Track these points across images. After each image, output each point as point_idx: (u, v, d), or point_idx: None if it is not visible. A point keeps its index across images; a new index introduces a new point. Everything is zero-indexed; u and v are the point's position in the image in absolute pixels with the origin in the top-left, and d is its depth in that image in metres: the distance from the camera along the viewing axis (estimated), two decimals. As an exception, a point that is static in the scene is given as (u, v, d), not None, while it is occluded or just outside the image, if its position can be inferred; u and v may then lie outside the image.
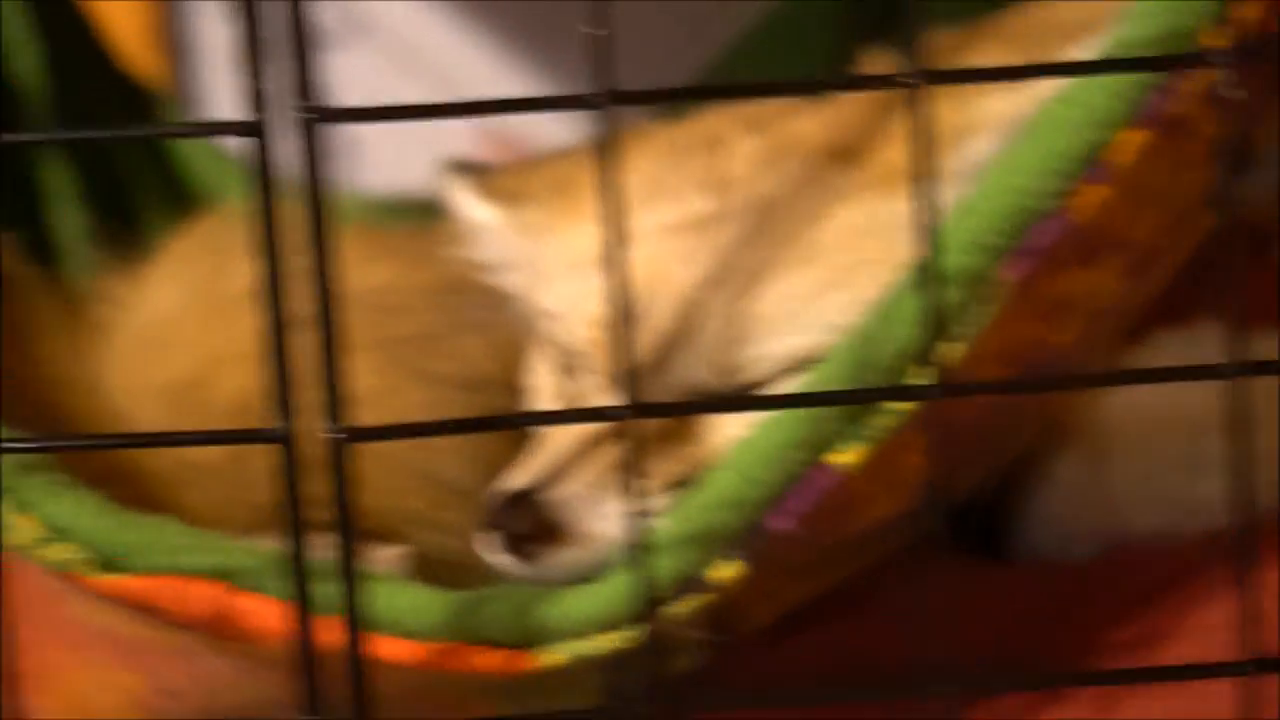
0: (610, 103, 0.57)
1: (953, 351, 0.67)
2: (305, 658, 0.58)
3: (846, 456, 0.67)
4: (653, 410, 0.65)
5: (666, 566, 0.67)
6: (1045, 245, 0.67)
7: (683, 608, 0.68)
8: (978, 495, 0.86)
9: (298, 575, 0.58)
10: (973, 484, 0.81)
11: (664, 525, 0.68)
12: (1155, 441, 0.84)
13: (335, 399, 0.58)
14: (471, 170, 0.90)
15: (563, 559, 0.72)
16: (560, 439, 0.75)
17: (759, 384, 0.77)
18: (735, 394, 0.76)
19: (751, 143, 0.79)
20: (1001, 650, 0.79)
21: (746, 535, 0.68)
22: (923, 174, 0.57)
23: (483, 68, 1.61)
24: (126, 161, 1.16)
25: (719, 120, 0.82)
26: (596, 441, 0.74)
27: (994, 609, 0.81)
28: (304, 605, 0.58)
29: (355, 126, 1.66)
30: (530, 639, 0.68)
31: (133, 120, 1.17)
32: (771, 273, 0.75)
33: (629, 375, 0.58)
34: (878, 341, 0.67)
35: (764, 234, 0.76)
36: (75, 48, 1.15)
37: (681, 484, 0.73)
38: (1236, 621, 0.74)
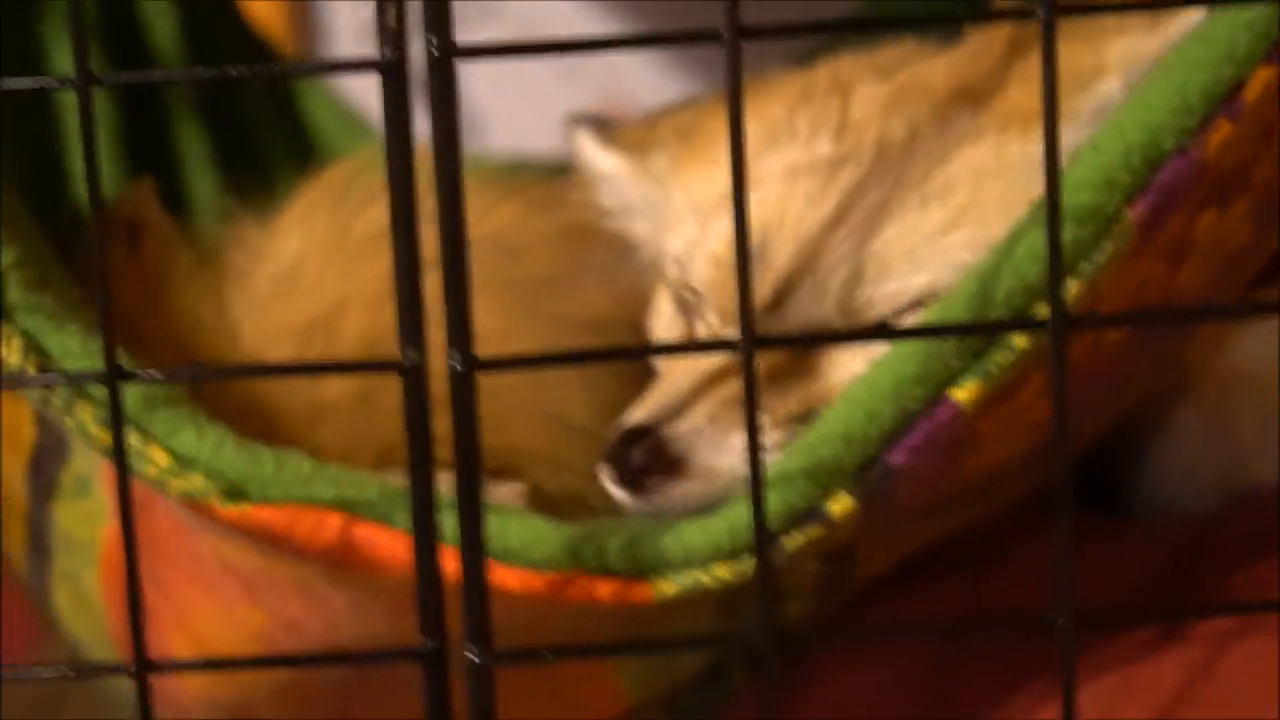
0: (737, 37, 0.58)
1: (1075, 289, 0.67)
2: (428, 582, 0.60)
3: (967, 392, 0.67)
4: (767, 342, 0.65)
5: (781, 499, 0.68)
6: (1173, 183, 0.67)
7: (797, 541, 0.68)
8: (1099, 447, 0.86)
9: (421, 502, 0.59)
10: (1096, 433, 0.81)
11: (781, 459, 0.69)
12: (1278, 390, 0.83)
13: (459, 330, 0.59)
14: (597, 123, 0.91)
15: (680, 493, 0.73)
16: (680, 376, 0.75)
17: (881, 322, 0.77)
18: (851, 328, 0.76)
19: (879, 87, 0.80)
20: (1123, 602, 0.78)
21: (864, 471, 0.68)
22: (1051, 108, 0.57)
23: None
24: (257, 118, 1.18)
25: (847, 66, 0.82)
26: (716, 378, 0.74)
27: (1117, 562, 0.80)
28: (428, 531, 0.60)
29: (482, 98, 1.67)
30: (646, 569, 0.69)
31: (267, 92, 1.19)
32: (894, 213, 0.75)
33: (746, 309, 0.59)
34: (1000, 277, 0.67)
35: (888, 175, 0.76)
36: (212, 19, 1.18)
37: (801, 420, 0.73)
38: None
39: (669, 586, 0.69)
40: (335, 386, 0.81)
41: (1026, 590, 0.78)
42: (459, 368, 0.59)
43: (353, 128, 1.21)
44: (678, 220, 0.83)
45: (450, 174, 0.59)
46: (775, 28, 0.59)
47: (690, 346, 0.72)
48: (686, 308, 0.82)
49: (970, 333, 0.67)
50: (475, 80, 1.78)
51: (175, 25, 1.14)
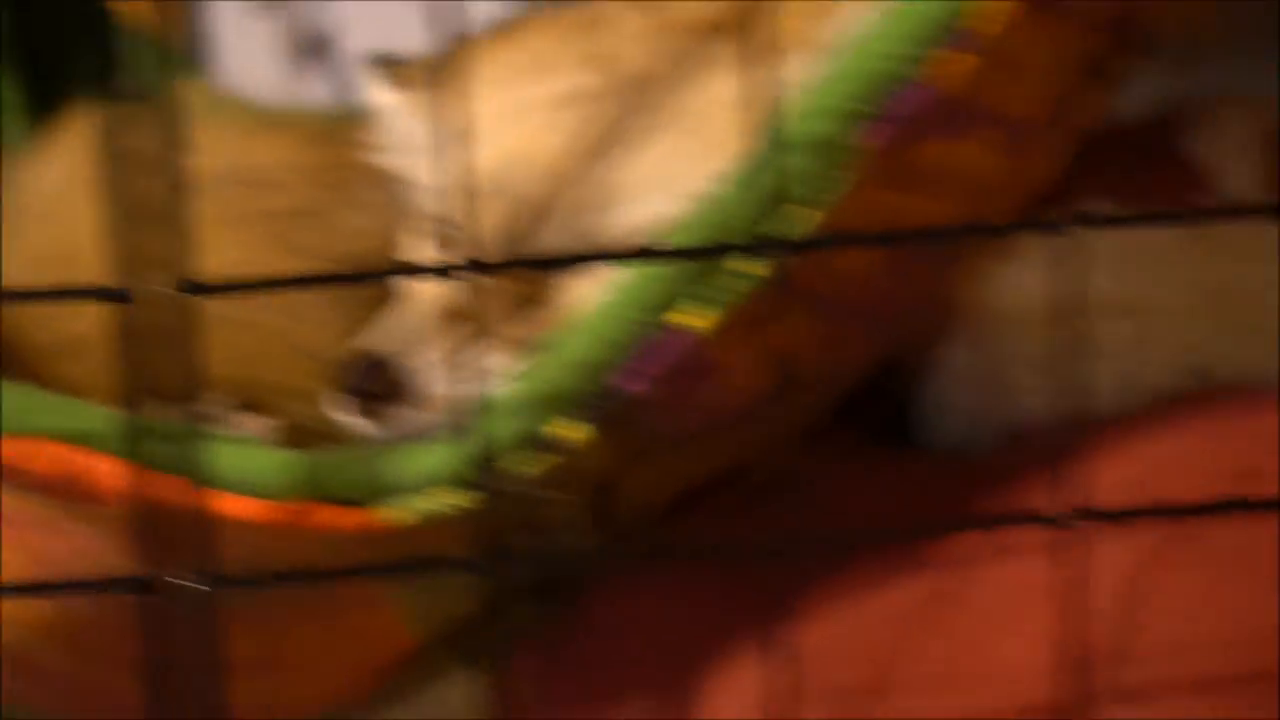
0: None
1: (810, 218, 0.67)
2: (142, 514, 0.60)
3: (698, 320, 0.68)
4: (493, 268, 0.66)
5: (512, 426, 0.68)
6: (907, 113, 0.67)
7: (528, 467, 0.68)
8: (887, 381, 0.87)
9: (133, 433, 0.59)
10: (861, 366, 0.81)
11: (514, 387, 0.69)
12: (1045, 325, 0.84)
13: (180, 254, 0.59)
14: (391, 62, 0.91)
15: (413, 420, 0.73)
16: (416, 305, 0.76)
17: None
18: (576, 251, 0.76)
19: (637, 20, 0.80)
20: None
21: (596, 397, 0.68)
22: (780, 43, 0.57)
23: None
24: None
25: (609, 1, 0.82)
26: (450, 309, 0.74)
27: (881, 495, 0.81)
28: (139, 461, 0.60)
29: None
30: (376, 496, 0.69)
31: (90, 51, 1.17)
32: (642, 142, 0.76)
33: (474, 237, 0.59)
34: (732, 205, 0.67)
35: (641, 106, 0.76)
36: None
37: (534, 346, 0.73)
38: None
39: (399, 513, 0.69)
40: (86, 319, 0.80)
41: (788, 521, 0.79)
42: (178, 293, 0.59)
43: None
44: (431, 151, 0.83)
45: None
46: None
47: (415, 269, 0.73)
48: (439, 241, 0.82)
49: (694, 258, 0.68)
50: (357, 44, 1.78)
51: None
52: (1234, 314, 0.83)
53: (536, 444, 0.69)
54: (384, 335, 0.76)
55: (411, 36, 1.67)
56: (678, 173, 0.75)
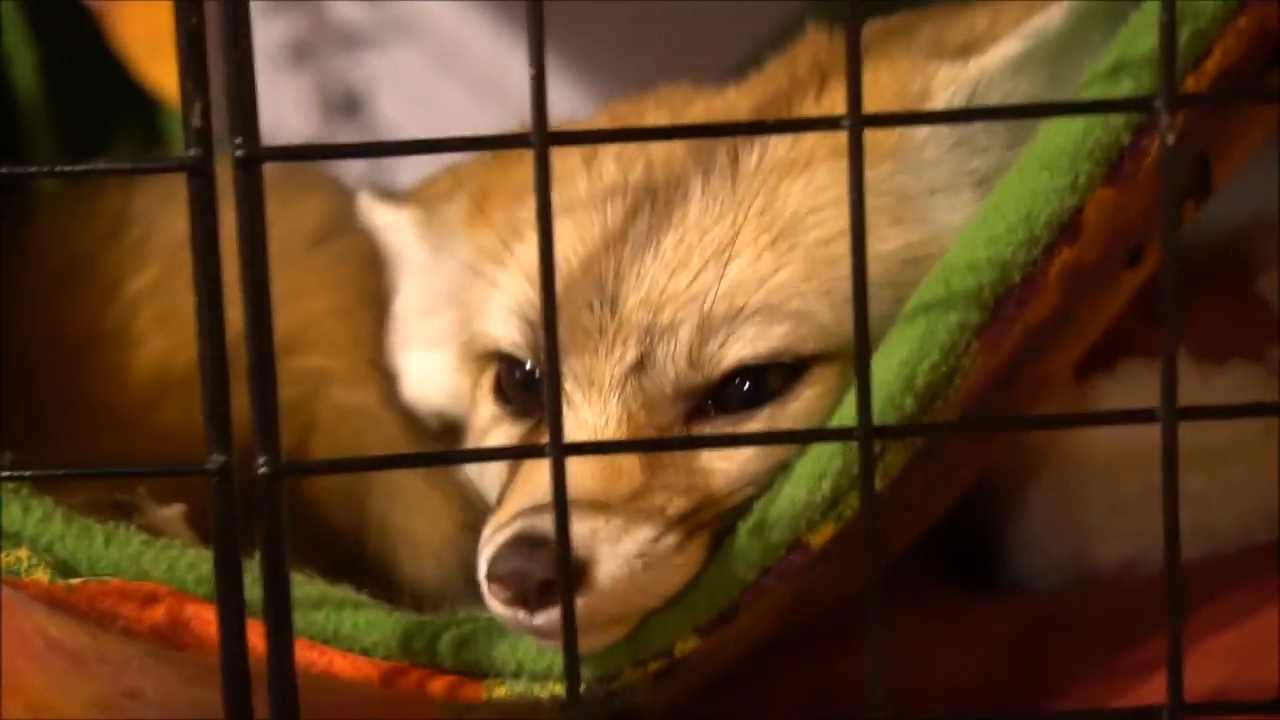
0: (547, 144, 0.58)
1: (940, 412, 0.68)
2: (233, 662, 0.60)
3: (820, 536, 0.68)
4: (576, 449, 0.63)
5: (636, 645, 0.69)
6: (1016, 309, 0.68)
7: (637, 674, 0.69)
8: (971, 523, 0.87)
9: (228, 585, 0.59)
10: (935, 516, 0.81)
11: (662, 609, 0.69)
12: (1122, 471, 0.83)
13: (267, 436, 0.59)
14: (384, 192, 0.91)
15: (584, 608, 0.66)
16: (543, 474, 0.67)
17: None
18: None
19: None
20: (975, 678, 0.79)
21: (719, 617, 0.69)
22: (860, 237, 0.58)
23: (524, 59, 1.61)
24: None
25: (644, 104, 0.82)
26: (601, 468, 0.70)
27: (965, 637, 0.81)
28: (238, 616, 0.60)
29: (396, 122, 1.66)
30: (479, 671, 0.69)
31: (130, 125, 1.17)
32: (737, 254, 0.74)
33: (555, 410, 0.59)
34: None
35: (709, 209, 0.74)
36: (78, 51, 1.16)
37: (694, 519, 0.70)
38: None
39: (501, 690, 0.69)
40: (183, 358, 0.80)
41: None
42: (268, 471, 0.59)
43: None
44: (498, 275, 0.79)
45: (256, 274, 0.59)
46: (585, 134, 0.58)
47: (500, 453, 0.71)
48: (510, 395, 0.79)
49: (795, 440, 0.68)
50: (389, 105, 1.78)
51: (35, 59, 1.12)
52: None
53: (652, 658, 0.69)
54: (529, 504, 0.68)
55: (441, 95, 1.69)
56: (787, 289, 0.73)
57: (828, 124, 0.58)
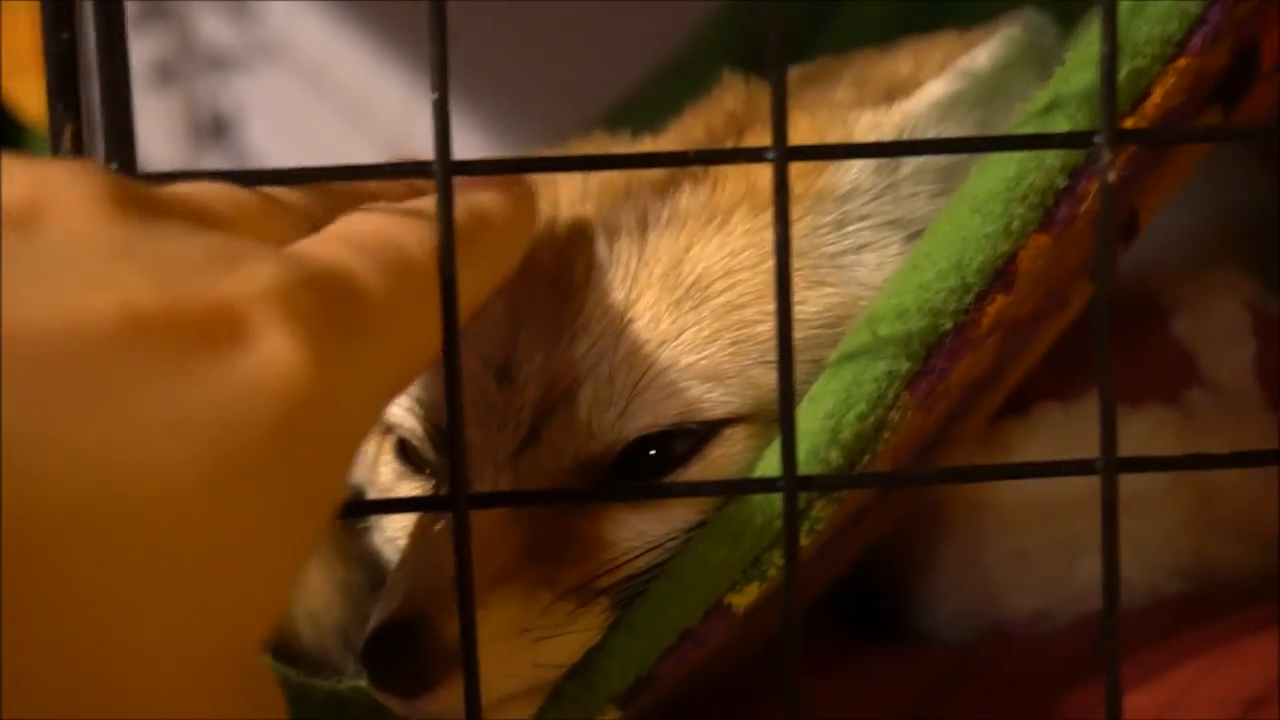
0: (451, 173, 0.54)
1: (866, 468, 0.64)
2: None
3: (744, 597, 0.63)
4: (481, 500, 0.59)
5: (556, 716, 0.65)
6: (948, 360, 0.64)
7: None
8: (878, 575, 0.84)
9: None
10: (839, 569, 0.78)
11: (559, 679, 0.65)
12: (1028, 523, 0.81)
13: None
14: None
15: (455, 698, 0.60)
16: (430, 545, 0.65)
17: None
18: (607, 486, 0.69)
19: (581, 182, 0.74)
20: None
21: (636, 686, 0.65)
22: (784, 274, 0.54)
23: (397, 86, 1.57)
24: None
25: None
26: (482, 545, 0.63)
27: (871, 689, 0.78)
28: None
29: (265, 150, 1.62)
30: None
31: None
32: (637, 319, 0.69)
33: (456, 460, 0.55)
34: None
35: (618, 277, 0.69)
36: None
37: (585, 591, 0.66)
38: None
39: None
40: None
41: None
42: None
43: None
44: None
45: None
46: (489, 163, 0.55)
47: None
48: (413, 457, 0.73)
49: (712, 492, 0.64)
50: (258, 130, 1.73)
51: None
52: (1226, 513, 0.81)
53: None
54: (407, 587, 0.64)
55: (312, 120, 1.64)
56: (695, 355, 0.68)
57: (751, 155, 0.55)
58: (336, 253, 0.50)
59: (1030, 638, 0.81)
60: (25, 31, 1.35)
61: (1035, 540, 0.81)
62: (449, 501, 0.56)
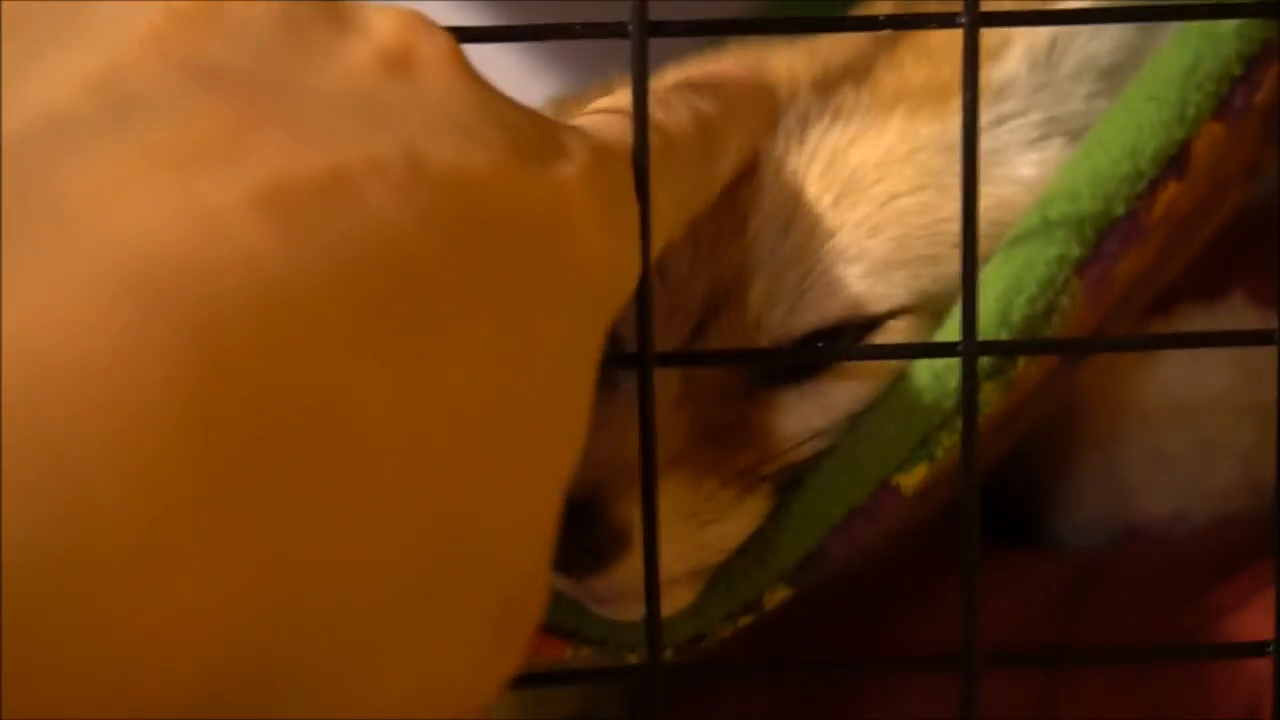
0: (646, 34, 0.55)
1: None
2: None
3: (912, 478, 0.64)
4: (666, 359, 0.60)
5: (725, 601, 0.66)
6: (1120, 246, 0.64)
7: (727, 629, 0.67)
8: (1014, 481, 0.84)
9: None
10: (988, 464, 0.78)
11: (731, 556, 0.66)
12: (1168, 425, 0.81)
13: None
14: None
15: (624, 573, 0.63)
16: (616, 428, 0.65)
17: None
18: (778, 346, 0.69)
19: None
20: (1022, 631, 0.76)
21: (806, 563, 0.66)
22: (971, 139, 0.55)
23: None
24: None
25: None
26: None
27: (1006, 595, 0.78)
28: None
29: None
30: (565, 632, 0.66)
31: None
32: (799, 217, 0.69)
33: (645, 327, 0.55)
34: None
35: (782, 172, 0.70)
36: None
37: (752, 476, 0.67)
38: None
39: (585, 652, 0.66)
40: None
41: (927, 622, 0.76)
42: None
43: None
44: None
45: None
46: (682, 23, 0.55)
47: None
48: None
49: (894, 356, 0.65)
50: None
51: None
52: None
53: (741, 612, 0.66)
54: (587, 471, 0.62)
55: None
56: (855, 251, 0.69)
57: (943, 21, 0.55)
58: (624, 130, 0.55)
59: (1166, 539, 0.81)
60: None
61: (1174, 441, 0.81)
62: (636, 359, 0.57)
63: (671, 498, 0.64)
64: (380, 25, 0.49)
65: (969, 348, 0.57)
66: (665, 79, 0.72)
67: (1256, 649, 0.59)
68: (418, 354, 0.42)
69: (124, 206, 0.39)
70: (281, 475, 0.39)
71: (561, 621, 0.65)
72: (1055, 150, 0.71)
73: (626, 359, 0.57)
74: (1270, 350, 0.58)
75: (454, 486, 0.43)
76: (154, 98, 0.43)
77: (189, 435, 0.37)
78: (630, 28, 0.54)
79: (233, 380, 0.38)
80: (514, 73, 1.52)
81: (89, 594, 0.35)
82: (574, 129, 0.52)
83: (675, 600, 0.65)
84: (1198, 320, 0.81)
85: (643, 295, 0.55)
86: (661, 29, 0.55)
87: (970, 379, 0.57)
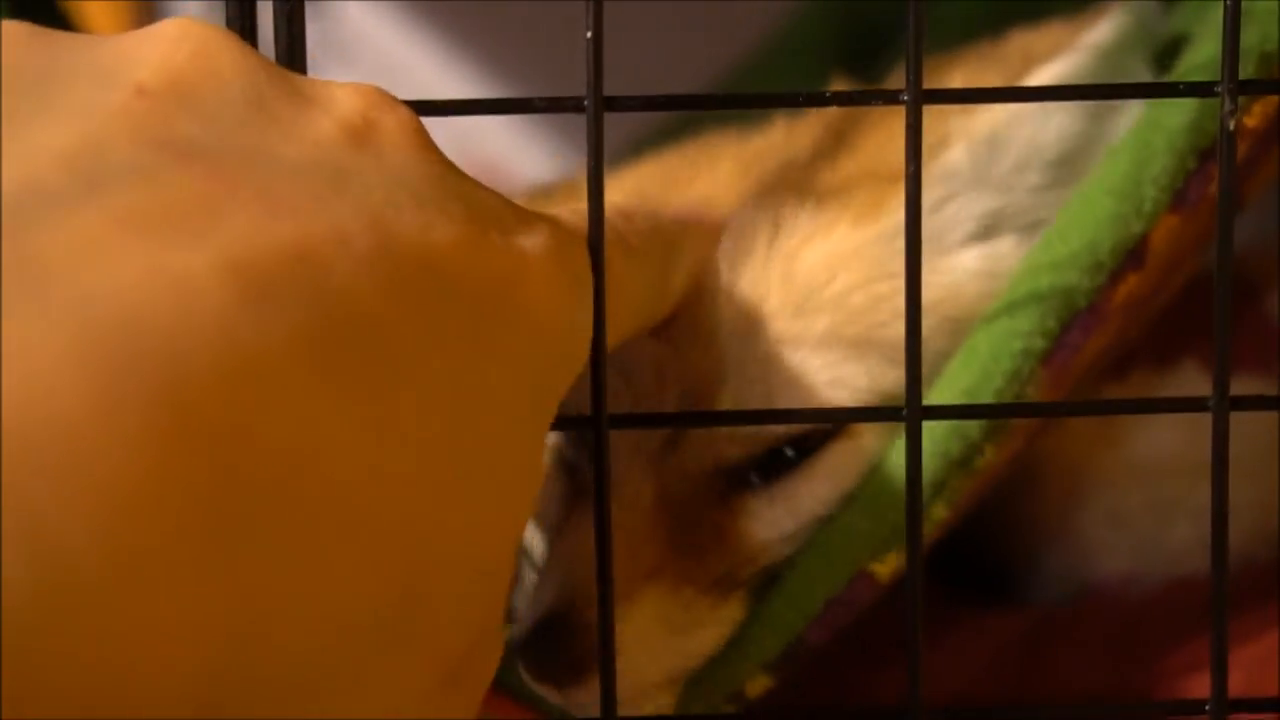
0: (602, 109, 0.56)
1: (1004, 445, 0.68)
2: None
3: (886, 566, 0.67)
4: (620, 421, 0.62)
5: (705, 692, 0.68)
6: (1081, 337, 0.67)
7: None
8: (980, 540, 0.86)
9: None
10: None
11: (720, 650, 0.69)
12: (1125, 484, 0.83)
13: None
14: None
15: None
16: (585, 537, 0.65)
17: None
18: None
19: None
20: (976, 683, 0.78)
21: (786, 653, 0.68)
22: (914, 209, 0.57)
23: (462, 87, 1.59)
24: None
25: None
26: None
27: (964, 643, 0.80)
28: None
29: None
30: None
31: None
32: (763, 320, 0.71)
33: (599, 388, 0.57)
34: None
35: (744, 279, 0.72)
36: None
37: (728, 583, 0.70)
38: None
39: None
40: None
41: (879, 675, 0.78)
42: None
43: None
44: None
45: None
46: (638, 98, 0.57)
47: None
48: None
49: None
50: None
51: None
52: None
53: (733, 700, 0.69)
54: (559, 581, 0.67)
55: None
56: (814, 360, 0.70)
57: (888, 97, 0.57)
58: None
59: (1121, 599, 0.82)
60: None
61: (1130, 502, 0.83)
62: (590, 421, 0.59)
63: (651, 607, 0.67)
64: (343, 99, 0.51)
65: (913, 412, 0.59)
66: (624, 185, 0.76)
67: (1195, 706, 0.61)
68: (378, 412, 0.44)
69: (96, 268, 0.41)
70: (246, 530, 0.41)
71: (523, 687, 0.67)
72: (1007, 246, 0.73)
73: (582, 421, 0.59)
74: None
75: (411, 537, 0.45)
76: (126, 168, 0.45)
77: (158, 490, 0.39)
78: (586, 103, 0.56)
79: (200, 437, 0.40)
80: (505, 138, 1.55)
81: (60, 639, 0.37)
82: (536, 211, 0.54)
83: (655, 705, 0.68)
84: (1151, 385, 0.82)
85: (596, 360, 0.57)
86: (616, 104, 0.57)
87: (914, 441, 0.59)
